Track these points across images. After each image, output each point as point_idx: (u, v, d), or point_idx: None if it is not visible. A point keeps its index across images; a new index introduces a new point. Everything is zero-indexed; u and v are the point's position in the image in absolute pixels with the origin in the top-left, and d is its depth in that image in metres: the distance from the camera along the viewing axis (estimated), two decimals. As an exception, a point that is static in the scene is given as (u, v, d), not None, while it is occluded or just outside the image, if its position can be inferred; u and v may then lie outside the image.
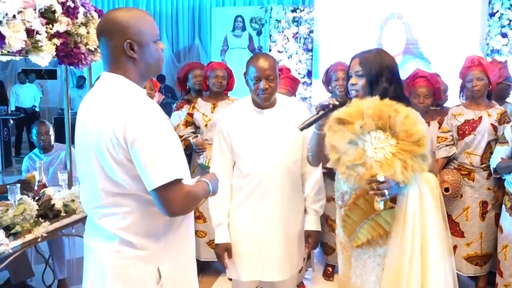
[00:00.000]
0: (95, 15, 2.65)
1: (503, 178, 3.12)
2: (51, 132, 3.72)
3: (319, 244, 2.53)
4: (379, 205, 1.79)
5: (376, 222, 1.94)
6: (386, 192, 1.75)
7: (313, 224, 2.39)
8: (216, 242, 2.37)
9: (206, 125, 3.54)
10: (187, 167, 1.71)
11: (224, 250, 2.33)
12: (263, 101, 2.26)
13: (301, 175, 2.39)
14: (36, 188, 2.72)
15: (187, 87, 4.04)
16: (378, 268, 1.97)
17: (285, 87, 3.50)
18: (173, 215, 1.51)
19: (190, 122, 3.63)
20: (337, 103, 1.96)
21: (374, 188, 1.75)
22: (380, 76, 1.94)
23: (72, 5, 2.40)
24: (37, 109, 9.79)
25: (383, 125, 1.78)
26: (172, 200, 1.46)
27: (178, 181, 1.47)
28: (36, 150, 3.78)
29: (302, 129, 1.99)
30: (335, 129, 1.82)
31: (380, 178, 1.74)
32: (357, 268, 2.05)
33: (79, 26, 2.48)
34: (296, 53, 7.00)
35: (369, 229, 1.96)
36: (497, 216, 3.24)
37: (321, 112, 1.97)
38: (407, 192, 1.82)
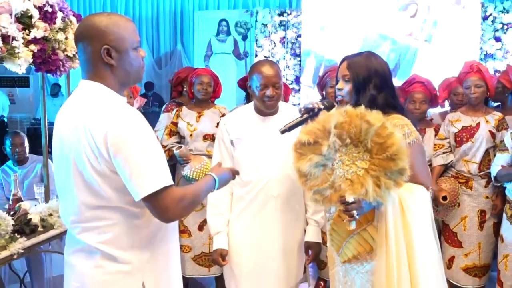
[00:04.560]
0: (74, 20, 2.67)
1: (504, 186, 3.19)
2: (26, 143, 3.70)
3: (319, 255, 2.57)
4: (351, 225, 1.77)
5: (362, 238, 1.94)
6: (355, 213, 1.74)
7: (313, 235, 2.44)
8: (214, 248, 2.43)
9: (191, 135, 3.55)
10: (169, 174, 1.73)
11: (219, 255, 2.39)
12: (268, 108, 2.33)
13: None
14: (11, 202, 2.71)
15: (184, 90, 4.03)
16: (366, 285, 1.96)
17: None
18: (170, 220, 1.55)
19: (174, 131, 3.64)
20: (322, 107, 1.97)
21: (343, 209, 1.75)
22: (368, 82, 1.92)
23: (50, 10, 2.41)
24: (5, 119, 9.66)
25: (354, 141, 1.74)
26: (166, 207, 1.48)
27: (168, 187, 1.48)
28: (9, 163, 3.76)
29: (283, 132, 2.01)
30: (300, 151, 1.80)
31: (349, 199, 1.71)
32: (346, 284, 2.04)
33: (57, 31, 2.49)
34: (284, 58, 7.06)
35: (355, 244, 1.95)
36: (496, 226, 3.30)
37: (305, 116, 1.98)
38: (385, 209, 1.80)
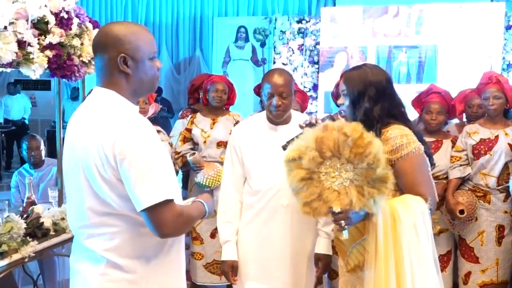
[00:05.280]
0: (90, 26, 2.70)
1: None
2: (42, 147, 3.75)
3: (329, 267, 2.55)
4: (342, 235, 1.81)
5: (363, 247, 1.94)
6: (343, 223, 1.77)
7: (323, 247, 2.42)
8: (222, 259, 2.43)
9: (204, 141, 3.56)
10: (178, 187, 1.74)
11: (231, 268, 2.39)
12: (276, 118, 2.33)
13: None
14: (24, 205, 2.74)
15: (200, 97, 4.03)
16: None
17: (297, 99, 3.54)
18: (164, 236, 1.53)
19: (188, 138, 3.65)
20: (320, 122, 1.99)
21: (332, 219, 1.80)
22: (363, 95, 1.95)
23: (65, 16, 2.44)
24: (26, 121, 9.85)
25: (335, 153, 1.78)
26: (163, 221, 1.48)
27: (168, 202, 1.49)
28: (26, 165, 3.81)
29: (284, 148, 2.01)
30: (288, 168, 1.86)
31: (336, 209, 1.77)
32: None
33: (72, 37, 2.53)
34: (302, 66, 7.04)
35: (356, 254, 1.97)
36: (515, 241, 3.23)
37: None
38: (376, 220, 1.83)
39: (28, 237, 2.43)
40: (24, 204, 2.76)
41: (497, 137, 3.27)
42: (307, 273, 2.44)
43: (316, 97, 6.99)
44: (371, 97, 1.94)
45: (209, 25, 8.64)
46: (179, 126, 3.92)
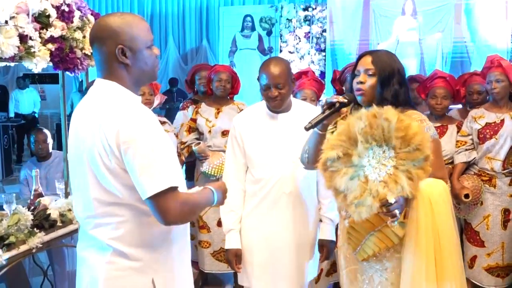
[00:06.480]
0: (92, 18, 2.72)
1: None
2: (49, 140, 3.80)
3: (333, 254, 2.57)
4: (393, 225, 1.79)
5: (383, 234, 1.93)
6: (397, 212, 1.74)
7: (327, 233, 2.45)
8: (226, 247, 2.47)
9: (209, 131, 3.59)
10: (182, 176, 1.76)
11: (235, 256, 2.43)
12: (274, 108, 2.35)
13: (316, 182, 2.44)
14: (32, 197, 2.79)
15: (195, 88, 4.15)
16: (386, 283, 1.97)
17: (311, 88, 3.53)
18: (169, 224, 1.55)
19: (193, 128, 3.68)
20: (345, 100, 1.96)
21: (384, 211, 1.74)
22: (392, 77, 1.97)
23: (67, 9, 2.47)
24: (36, 115, 9.95)
25: (379, 142, 1.74)
26: (168, 209, 1.50)
27: (173, 189, 1.51)
28: (34, 159, 3.87)
29: (308, 129, 1.95)
30: (333, 168, 1.76)
31: (391, 200, 1.71)
32: (364, 282, 2.05)
33: (74, 30, 2.55)
34: (308, 54, 7.03)
35: (376, 241, 1.94)
36: (520, 225, 3.23)
37: (327, 112, 1.94)
38: (416, 204, 1.81)
39: (35, 229, 2.47)
40: (32, 196, 2.81)
41: (502, 121, 3.25)
42: (310, 259, 2.47)
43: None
44: (399, 81, 1.98)
45: (215, 15, 8.64)
46: (180, 117, 3.95)
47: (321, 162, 1.79)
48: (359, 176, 1.74)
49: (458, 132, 3.42)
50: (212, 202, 1.75)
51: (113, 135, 1.48)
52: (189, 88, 4.30)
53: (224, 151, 3.44)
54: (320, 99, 3.84)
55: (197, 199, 1.67)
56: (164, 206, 1.50)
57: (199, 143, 3.55)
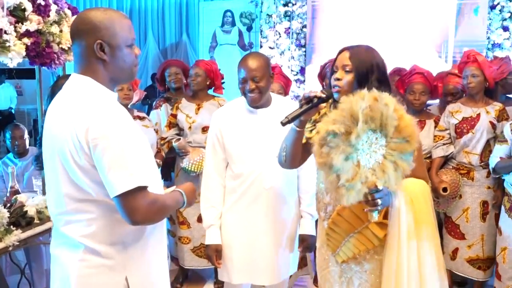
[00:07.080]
0: (69, 12, 2.69)
1: (503, 178, 3.18)
2: (26, 136, 3.75)
3: (313, 248, 2.57)
4: (373, 216, 1.74)
5: (363, 236, 1.89)
6: (379, 201, 1.70)
7: (307, 228, 2.46)
8: (206, 243, 2.46)
9: (190, 127, 3.57)
10: (157, 175, 1.74)
11: (215, 251, 2.42)
12: (251, 103, 2.32)
13: (297, 177, 2.44)
14: (8, 194, 2.75)
15: (166, 86, 4.14)
16: (365, 284, 1.96)
17: (278, 81, 3.57)
18: (136, 224, 1.53)
19: (173, 123, 3.67)
20: (323, 96, 1.85)
21: (369, 198, 1.70)
22: (371, 74, 1.88)
23: (43, 2, 2.43)
24: (13, 111, 9.78)
25: (377, 126, 1.66)
26: (136, 209, 1.48)
27: (142, 189, 1.49)
28: (10, 155, 3.81)
29: (284, 124, 1.87)
30: (332, 144, 1.64)
31: (380, 186, 1.67)
32: (343, 284, 2.02)
33: (51, 24, 2.52)
34: (289, 49, 7.03)
35: (355, 243, 1.91)
36: (497, 217, 3.29)
37: (305, 106, 1.84)
38: (398, 203, 1.79)
39: (12, 226, 2.44)
40: (8, 194, 2.76)
41: (478, 115, 3.31)
42: (291, 254, 2.48)
43: (304, 81, 6.99)
44: (377, 78, 1.88)
45: (195, 10, 8.57)
46: (153, 117, 3.94)
47: (320, 136, 1.67)
48: (353, 158, 1.66)
49: (435, 127, 3.47)
50: (182, 204, 1.74)
51: (83, 132, 1.46)
52: (160, 86, 4.27)
53: (204, 147, 3.43)
54: (287, 93, 3.89)
55: (166, 200, 1.65)
56: (131, 206, 1.48)
57: (180, 139, 3.54)
